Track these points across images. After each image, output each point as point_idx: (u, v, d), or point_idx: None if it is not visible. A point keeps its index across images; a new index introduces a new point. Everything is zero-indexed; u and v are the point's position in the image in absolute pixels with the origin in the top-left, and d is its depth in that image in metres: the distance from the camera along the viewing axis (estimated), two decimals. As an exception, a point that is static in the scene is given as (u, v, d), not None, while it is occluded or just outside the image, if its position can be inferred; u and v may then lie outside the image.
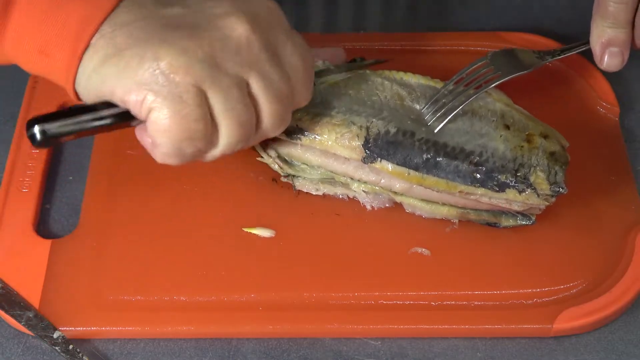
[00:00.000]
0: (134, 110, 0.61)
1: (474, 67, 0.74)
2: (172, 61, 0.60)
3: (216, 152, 0.64)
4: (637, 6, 0.72)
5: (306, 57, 0.66)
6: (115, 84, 0.60)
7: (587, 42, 0.75)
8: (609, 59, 0.74)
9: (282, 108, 0.65)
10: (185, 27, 0.61)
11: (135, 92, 0.60)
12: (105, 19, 0.61)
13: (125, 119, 0.62)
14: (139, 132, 0.64)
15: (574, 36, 0.86)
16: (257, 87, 0.63)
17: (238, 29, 0.62)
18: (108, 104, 0.62)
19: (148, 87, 0.60)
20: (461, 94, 0.72)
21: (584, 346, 0.68)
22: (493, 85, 0.73)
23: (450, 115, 0.71)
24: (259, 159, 0.75)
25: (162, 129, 0.61)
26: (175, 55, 0.60)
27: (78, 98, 0.64)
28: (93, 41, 0.61)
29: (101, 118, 0.61)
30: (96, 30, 0.61)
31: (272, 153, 0.74)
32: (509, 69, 0.74)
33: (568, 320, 0.68)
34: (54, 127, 0.60)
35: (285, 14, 0.65)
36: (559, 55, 0.77)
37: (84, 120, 0.61)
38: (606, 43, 0.73)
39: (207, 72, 0.60)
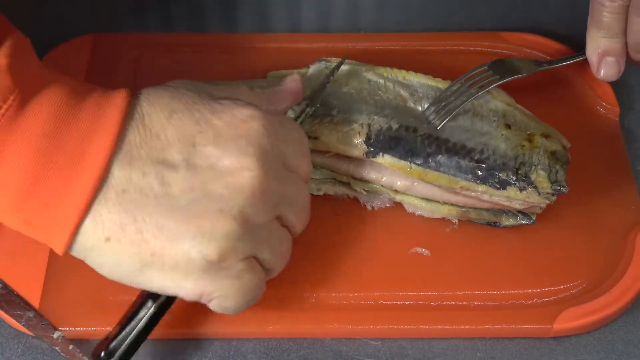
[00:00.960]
0: (191, 299, 0.60)
1: (473, 72, 0.74)
2: (219, 252, 0.57)
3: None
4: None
5: (305, 151, 0.64)
6: (165, 284, 0.59)
7: (584, 53, 0.76)
8: (606, 69, 0.75)
9: (307, 212, 0.64)
10: (209, 206, 0.57)
11: (193, 290, 0.59)
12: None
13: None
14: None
15: (574, 36, 0.86)
16: (289, 217, 0.62)
17: (256, 183, 0.58)
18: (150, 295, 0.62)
19: (203, 281, 0.58)
20: (462, 94, 0.72)
21: (584, 346, 0.68)
22: (492, 86, 0.73)
23: (449, 115, 0.71)
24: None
25: (229, 309, 0.61)
26: (218, 246, 0.57)
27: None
28: (106, 228, 0.57)
29: (155, 314, 0.63)
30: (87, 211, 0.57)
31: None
32: (507, 74, 0.75)
33: (568, 320, 0.68)
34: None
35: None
36: (556, 63, 0.79)
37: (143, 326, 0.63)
38: (602, 53, 0.74)
39: (249, 243, 0.59)
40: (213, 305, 0.61)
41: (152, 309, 0.62)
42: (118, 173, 0.57)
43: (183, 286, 0.59)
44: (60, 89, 0.57)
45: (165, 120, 0.59)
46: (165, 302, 0.63)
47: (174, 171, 0.58)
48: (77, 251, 0.59)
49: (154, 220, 0.57)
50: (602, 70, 0.75)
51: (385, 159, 0.70)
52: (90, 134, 0.57)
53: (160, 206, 0.57)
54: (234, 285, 0.59)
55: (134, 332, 0.62)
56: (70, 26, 0.86)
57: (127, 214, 0.57)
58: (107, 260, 0.59)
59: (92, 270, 0.70)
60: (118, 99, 0.58)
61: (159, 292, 0.60)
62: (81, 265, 0.70)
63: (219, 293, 0.59)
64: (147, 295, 0.63)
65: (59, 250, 0.58)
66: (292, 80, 0.68)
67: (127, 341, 0.62)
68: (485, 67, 0.75)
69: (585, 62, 0.84)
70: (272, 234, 0.61)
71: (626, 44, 0.73)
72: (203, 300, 0.60)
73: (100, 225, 0.57)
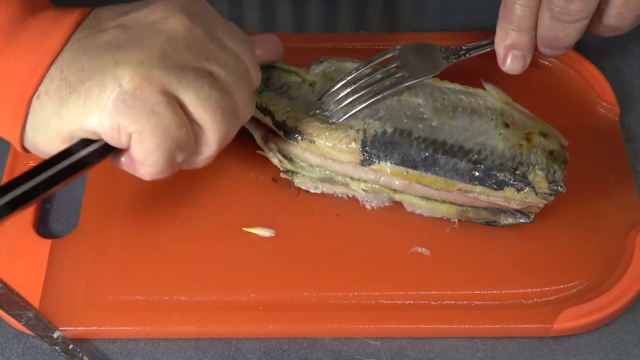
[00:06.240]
0: (112, 141, 0.60)
1: (382, 59, 0.73)
2: (132, 77, 0.59)
3: (211, 149, 0.63)
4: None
5: (246, 40, 0.66)
6: (83, 120, 0.60)
7: (492, 43, 0.75)
8: (511, 62, 0.74)
9: (248, 89, 0.64)
10: (130, 43, 0.61)
11: (107, 120, 0.59)
12: (49, 67, 0.61)
13: (106, 151, 0.61)
14: (124, 162, 0.63)
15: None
16: (220, 74, 0.62)
17: (180, 27, 0.62)
18: (83, 142, 0.61)
19: (118, 112, 0.59)
20: (366, 90, 0.72)
21: (584, 346, 0.68)
22: (395, 89, 0.72)
23: (353, 111, 0.71)
24: (259, 152, 0.75)
25: (149, 149, 0.60)
26: (133, 71, 0.59)
27: (26, 151, 0.63)
28: (41, 89, 0.60)
29: (82, 159, 0.61)
30: (41, 80, 0.60)
31: (273, 147, 0.74)
32: (417, 70, 0.73)
33: (568, 320, 0.68)
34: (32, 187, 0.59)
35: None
36: (465, 55, 0.76)
37: (64, 169, 0.60)
38: (510, 46, 0.73)
39: (170, 75, 0.60)
40: (133, 149, 0.60)
41: (66, 161, 0.61)
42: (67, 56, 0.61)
43: (99, 120, 0.59)
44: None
45: (113, 15, 0.63)
46: (98, 150, 0.61)
47: (104, 32, 0.62)
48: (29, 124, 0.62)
49: (78, 65, 0.60)
50: (508, 63, 0.75)
51: (381, 166, 0.70)
52: (47, 30, 0.62)
53: (85, 53, 0.61)
54: (151, 119, 0.59)
55: (39, 177, 0.60)
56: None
57: (56, 68, 0.61)
58: (36, 118, 0.61)
59: (92, 270, 0.70)
60: (75, 11, 0.63)
61: (79, 133, 0.60)
62: (81, 265, 0.71)
63: (135, 127, 0.59)
64: (65, 150, 0.61)
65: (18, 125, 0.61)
66: (271, 37, 0.72)
67: (27, 184, 0.59)
68: (396, 54, 0.74)
69: (586, 61, 0.84)
70: (199, 82, 0.61)
71: (535, 38, 0.73)
72: (123, 141, 0.60)
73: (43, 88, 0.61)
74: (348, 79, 0.72)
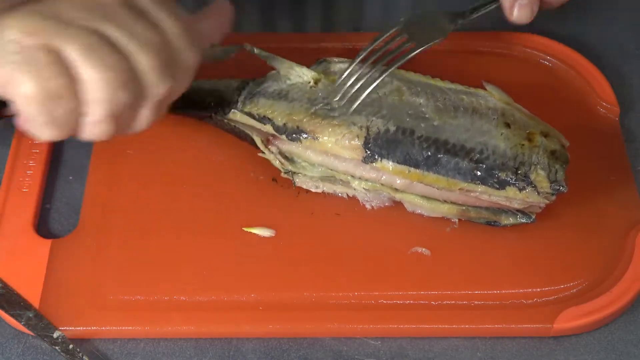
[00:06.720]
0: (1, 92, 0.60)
1: (387, 35, 0.73)
2: (18, 26, 0.59)
3: (97, 111, 0.61)
4: None
5: (175, 12, 0.64)
6: None
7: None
8: (519, 11, 0.75)
9: (158, 59, 0.62)
10: (32, 1, 0.61)
11: None
12: None
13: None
14: (17, 120, 0.62)
15: (574, 36, 0.86)
16: (118, 36, 0.61)
17: None
18: None
19: (3, 60, 0.59)
20: (374, 69, 0.71)
21: (584, 346, 0.68)
22: (408, 57, 0.72)
23: (363, 95, 0.71)
24: (260, 154, 0.75)
25: (24, 97, 0.59)
26: (20, 20, 0.59)
27: None
28: None
29: None
30: None
31: (274, 149, 0.74)
32: (424, 38, 0.73)
33: (568, 320, 0.68)
34: None
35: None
36: (470, 15, 0.76)
37: None
38: None
39: (55, 27, 0.59)
40: (15, 101, 0.60)
41: None
42: None
43: None
44: None
45: None
46: None
47: None
48: None
49: None
50: (515, 12, 0.75)
51: (383, 164, 0.70)
52: None
53: None
54: (30, 67, 0.58)
55: None
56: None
57: None
58: None
59: (92, 270, 0.70)
60: None
61: None
62: (81, 265, 0.71)
63: (14, 73, 0.59)
64: None
65: None
66: (220, 6, 0.70)
67: None
68: (400, 27, 0.73)
69: (586, 61, 0.84)
70: (85, 37, 0.60)
71: None
72: (5, 89, 0.59)
73: None
74: (357, 61, 0.72)
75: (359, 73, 0.72)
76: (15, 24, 0.59)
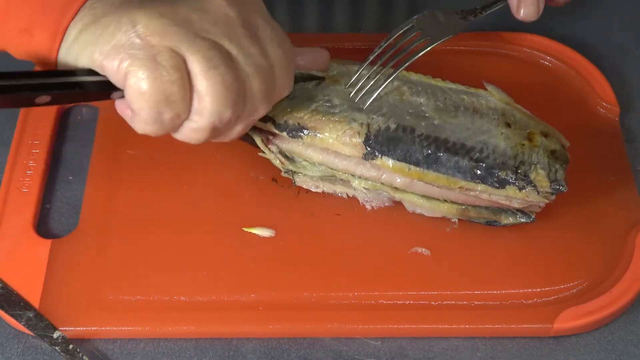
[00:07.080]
0: (113, 77, 0.61)
1: (401, 31, 0.74)
2: (148, 24, 0.60)
3: (203, 120, 0.63)
4: None
5: (285, 44, 0.66)
6: (93, 50, 0.61)
7: None
8: (525, 9, 0.75)
9: (265, 84, 0.64)
10: (164, 0, 0.62)
11: (112, 56, 0.60)
12: None
13: (106, 87, 0.62)
14: (118, 105, 0.64)
15: (575, 36, 0.86)
16: (239, 58, 0.62)
17: (216, 2, 0.63)
18: (89, 71, 0.62)
19: (124, 50, 0.60)
20: (388, 65, 0.72)
21: (584, 346, 0.68)
22: (424, 52, 0.72)
23: (379, 90, 0.71)
24: (260, 154, 0.75)
25: (138, 92, 0.60)
26: (151, 19, 0.60)
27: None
28: (77, 17, 0.62)
29: (79, 82, 0.62)
30: (81, 6, 0.62)
31: (274, 149, 0.74)
32: (437, 34, 0.74)
33: (568, 320, 0.68)
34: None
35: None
36: (481, 13, 0.77)
37: (61, 83, 0.61)
38: None
39: (184, 36, 0.61)
40: (127, 90, 0.61)
41: (81, 78, 0.62)
42: None
43: (106, 55, 0.60)
44: None
45: None
46: (96, 83, 0.62)
47: None
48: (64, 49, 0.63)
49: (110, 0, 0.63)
50: (522, 10, 0.76)
51: (383, 161, 0.70)
52: None
53: None
54: (148, 65, 0.60)
55: (34, 79, 0.61)
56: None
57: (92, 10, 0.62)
58: (66, 42, 0.63)
59: (92, 270, 0.71)
60: None
61: (87, 62, 0.61)
62: (81, 265, 0.71)
63: (132, 67, 0.60)
64: (81, 69, 0.63)
65: (55, 45, 0.62)
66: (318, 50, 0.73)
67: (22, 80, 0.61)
68: (413, 24, 0.74)
69: (586, 61, 0.84)
70: (210, 52, 0.61)
71: None
72: (120, 79, 0.60)
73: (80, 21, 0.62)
74: (371, 58, 0.73)
75: (373, 69, 0.73)
76: (147, 22, 0.60)
